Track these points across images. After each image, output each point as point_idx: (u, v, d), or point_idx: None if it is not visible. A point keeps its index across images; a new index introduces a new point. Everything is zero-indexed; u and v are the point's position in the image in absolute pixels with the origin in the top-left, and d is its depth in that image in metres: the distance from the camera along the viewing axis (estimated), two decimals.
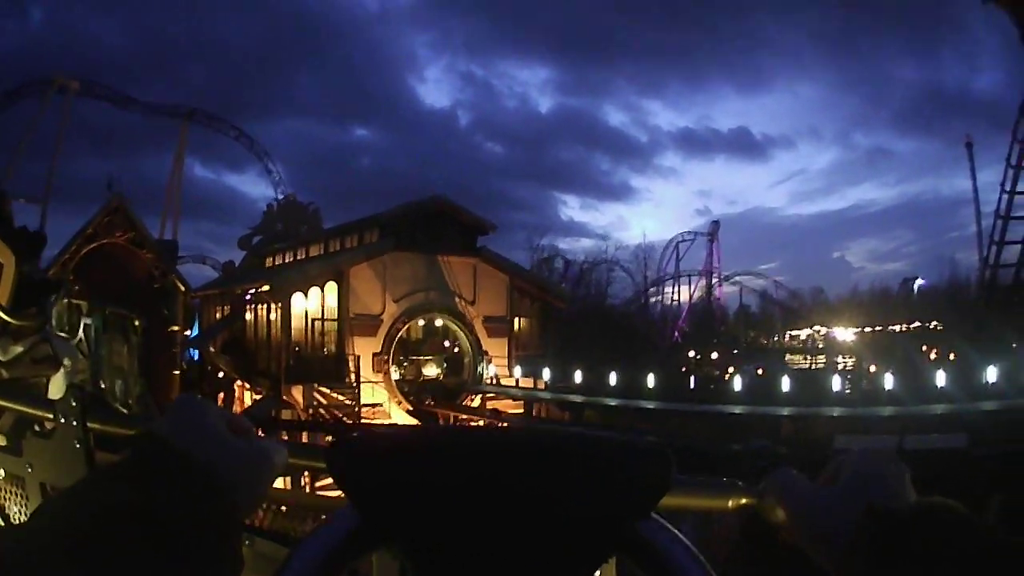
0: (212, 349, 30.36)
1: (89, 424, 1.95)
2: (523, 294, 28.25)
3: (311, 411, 24.73)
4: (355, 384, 25.37)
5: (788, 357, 38.44)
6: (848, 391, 21.97)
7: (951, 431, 14.06)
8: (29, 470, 2.14)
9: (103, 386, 8.26)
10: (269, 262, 34.91)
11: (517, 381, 25.41)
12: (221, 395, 28.61)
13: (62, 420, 1.98)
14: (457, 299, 26.67)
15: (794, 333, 45.55)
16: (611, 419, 19.83)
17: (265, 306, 27.85)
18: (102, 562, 0.62)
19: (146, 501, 0.66)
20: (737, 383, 19.04)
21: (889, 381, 18.80)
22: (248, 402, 27.78)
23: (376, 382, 25.60)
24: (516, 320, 28.01)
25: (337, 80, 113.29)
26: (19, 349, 4.35)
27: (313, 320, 26.58)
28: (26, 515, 2.21)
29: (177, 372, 25.97)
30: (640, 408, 19.35)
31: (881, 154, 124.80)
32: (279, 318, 26.58)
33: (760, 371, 21.84)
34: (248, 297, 29.21)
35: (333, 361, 26.01)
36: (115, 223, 24.92)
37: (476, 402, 25.30)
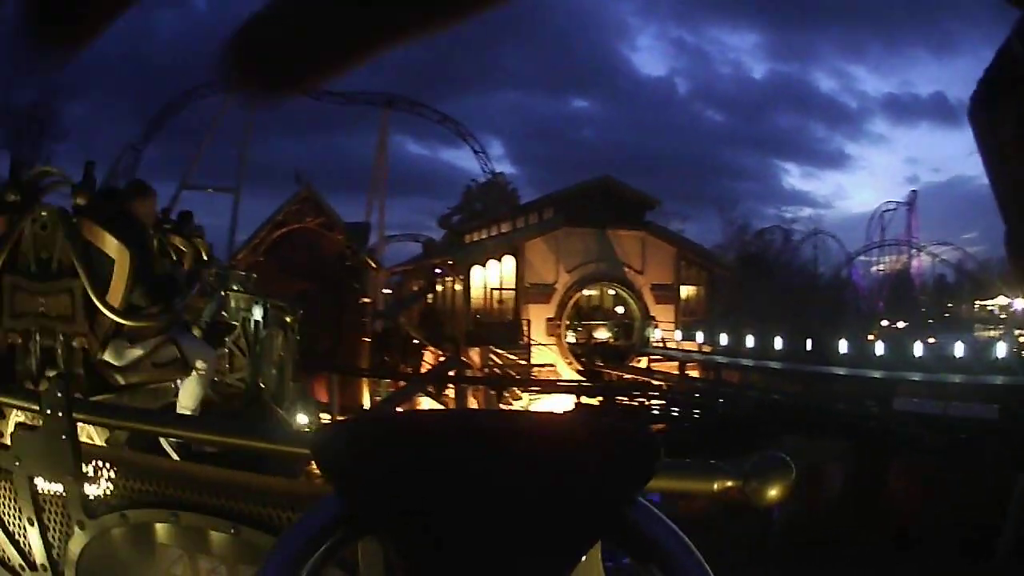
0: (405, 318, 34.15)
1: (75, 416, 2.04)
2: (690, 264, 30.08)
3: (486, 370, 27.80)
4: (528, 346, 28.17)
5: (978, 328, 37.44)
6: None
7: None
8: (17, 464, 2.20)
9: (262, 385, 8.50)
10: (468, 239, 38.49)
11: (680, 344, 27.25)
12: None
13: (48, 413, 2.03)
14: (626, 269, 28.85)
15: (985, 304, 43.96)
16: (763, 380, 21.35)
17: (451, 279, 31.30)
18: None
19: None
20: (878, 349, 19.77)
21: None
22: (431, 362, 31.13)
23: (548, 345, 28.21)
24: (683, 288, 29.84)
25: (550, 52, 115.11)
26: (138, 352, 4.67)
27: (492, 290, 29.70)
28: (14, 508, 2.38)
29: (367, 339, 29.64)
30: (790, 371, 20.58)
31: None
32: (461, 289, 29.99)
33: (932, 340, 22.34)
34: (438, 271, 32.86)
35: (509, 326, 28.86)
36: (305, 210, 28.88)
37: (643, 363, 27.33)
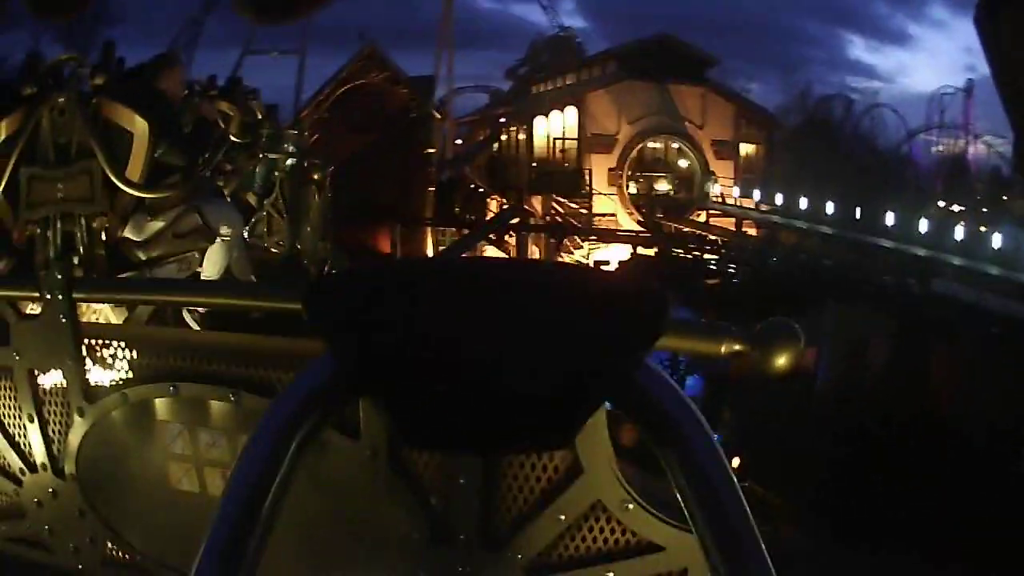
0: (470, 168, 35.20)
1: (75, 296, 2.08)
2: (750, 122, 30.51)
3: (548, 218, 29.01)
4: (589, 195, 29.22)
5: None
6: None
7: None
8: (17, 358, 2.24)
9: (298, 247, 8.30)
10: (534, 91, 38.79)
11: (738, 201, 28.05)
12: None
13: (48, 297, 2.06)
14: (687, 123, 29.33)
15: None
16: (814, 244, 22.05)
17: (515, 129, 32.09)
18: None
19: None
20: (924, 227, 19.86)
21: None
22: (495, 210, 32.38)
23: (609, 194, 29.24)
24: (742, 146, 30.40)
25: None
26: (159, 225, 4.64)
27: (555, 140, 30.51)
28: (14, 407, 2.41)
29: (432, 189, 30.77)
30: (840, 237, 21.03)
31: None
32: (525, 138, 30.84)
33: (982, 229, 22.43)
34: (502, 121, 33.62)
35: (570, 175, 29.86)
36: (369, 66, 29.28)
37: (702, 217, 28.29)
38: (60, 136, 4.46)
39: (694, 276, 22.68)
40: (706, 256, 24.17)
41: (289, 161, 8.32)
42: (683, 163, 30.22)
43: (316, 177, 8.93)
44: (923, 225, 18.10)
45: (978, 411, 12.23)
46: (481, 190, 33.36)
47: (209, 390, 2.15)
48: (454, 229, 29.86)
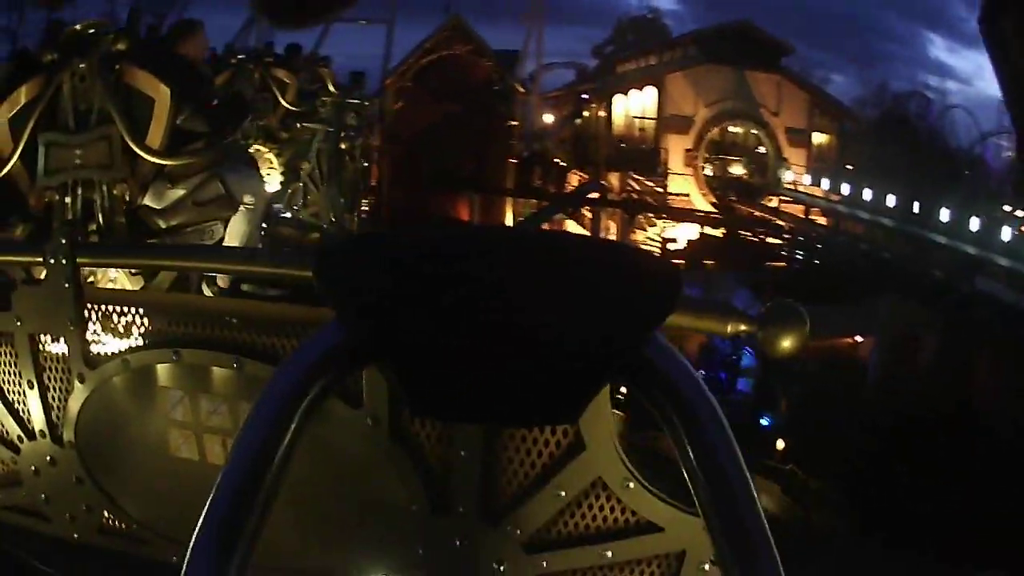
0: (552, 142, 36.66)
1: (79, 260, 2.11)
2: (823, 112, 31.39)
3: (624, 195, 30.43)
4: (664, 174, 30.51)
5: None
6: None
7: None
8: (18, 324, 2.27)
9: (333, 219, 8.18)
10: (619, 70, 39.89)
11: (808, 189, 28.95)
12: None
13: (52, 262, 2.10)
14: (762, 109, 30.32)
15: None
16: (876, 235, 22.95)
17: (597, 106, 33.47)
18: None
19: None
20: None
21: None
22: (575, 184, 33.84)
23: (684, 175, 30.53)
24: (815, 135, 31.32)
25: None
26: (179, 193, 4.63)
27: (634, 118, 31.90)
28: (14, 373, 2.45)
29: (513, 160, 32.27)
30: (900, 230, 21.78)
31: None
32: (605, 116, 32.24)
33: None
34: (584, 98, 34.97)
35: (648, 154, 31.21)
36: (454, 38, 30.51)
37: (774, 203, 29.35)
38: (80, 102, 4.44)
39: (758, 259, 23.74)
40: (771, 240, 25.14)
41: (329, 130, 8.43)
42: (757, 148, 31.23)
43: (345, 147, 8.85)
44: (974, 224, 18.48)
45: (1015, 411, 12.43)
46: (562, 164, 34.85)
47: (211, 356, 2.16)
48: (534, 201, 31.40)
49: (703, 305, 1.09)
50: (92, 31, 4.69)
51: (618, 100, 32.63)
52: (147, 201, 4.64)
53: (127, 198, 4.58)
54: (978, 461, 11.26)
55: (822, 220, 26.85)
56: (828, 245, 24.07)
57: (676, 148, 30.76)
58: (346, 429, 1.87)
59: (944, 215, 19.52)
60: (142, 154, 4.43)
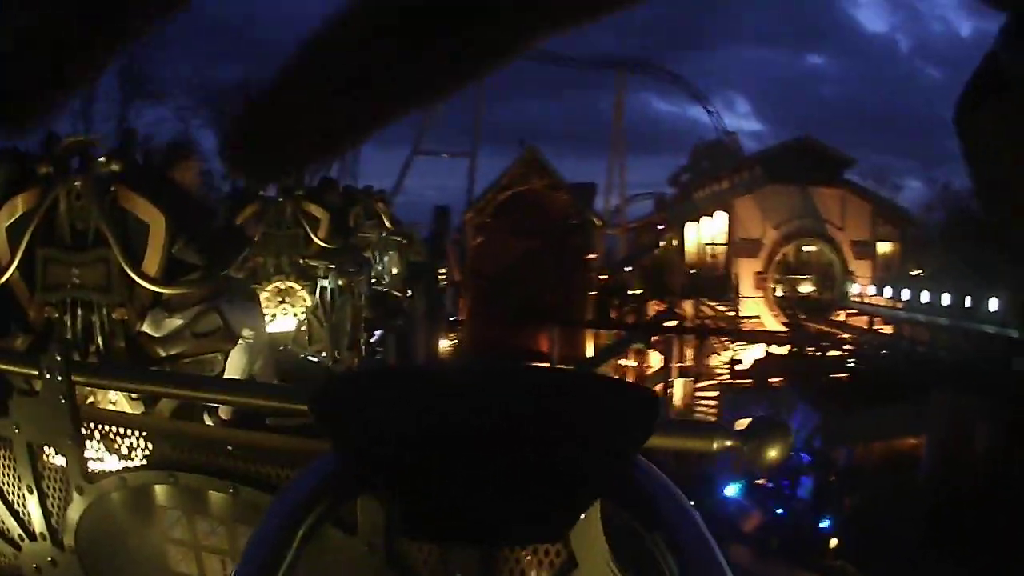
0: (630, 272, 37.26)
1: (74, 379, 2.13)
2: (886, 221, 30.94)
3: (698, 321, 30.38)
4: (736, 298, 30.35)
5: None
6: None
7: None
8: (16, 431, 2.26)
9: (337, 356, 8.33)
10: (696, 196, 40.57)
11: (873, 300, 28.09)
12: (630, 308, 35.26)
13: (47, 377, 2.10)
14: (828, 225, 30.01)
15: None
16: (931, 335, 22.33)
17: (670, 235, 34.09)
18: None
19: None
20: None
21: None
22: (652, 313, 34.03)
23: (755, 297, 30.25)
24: (879, 244, 30.76)
25: (784, 8, 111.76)
26: (177, 322, 4.66)
27: (705, 245, 32.16)
28: (13, 477, 2.42)
29: (592, 293, 33.02)
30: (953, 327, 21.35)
31: None
32: (678, 244, 32.73)
33: None
34: (660, 227, 35.73)
35: (719, 279, 31.28)
36: (530, 173, 32.06)
37: (841, 316, 28.53)
38: (77, 220, 4.45)
39: (820, 372, 23.35)
40: (832, 353, 24.77)
41: (331, 267, 8.45)
42: (825, 264, 30.75)
43: (342, 283, 8.84)
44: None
45: None
46: (640, 294, 35.24)
47: (207, 481, 2.18)
48: (613, 332, 31.80)
49: (686, 425, 1.17)
50: (87, 148, 4.72)
51: (690, 227, 33.21)
52: (146, 328, 4.63)
53: (126, 322, 4.58)
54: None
55: (887, 328, 25.99)
56: (888, 351, 23.61)
57: (747, 271, 30.74)
58: (341, 556, 1.86)
59: (992, 305, 19.43)
60: (139, 280, 4.42)
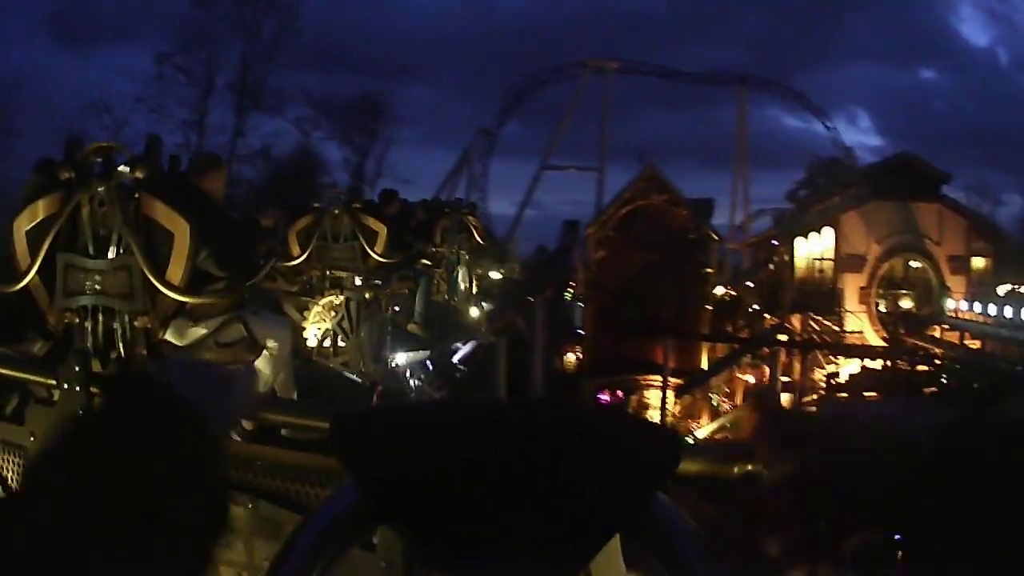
0: (746, 287, 38.58)
1: (92, 389, 2.10)
2: (979, 236, 31.38)
3: (804, 335, 31.57)
4: (841, 313, 31.38)
5: None
6: None
7: None
8: (31, 439, 2.25)
9: (362, 369, 8.21)
10: (811, 212, 41.32)
11: (965, 315, 28.51)
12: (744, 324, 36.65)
13: (65, 387, 2.12)
14: (926, 240, 30.63)
15: None
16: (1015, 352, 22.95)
17: (783, 250, 35.42)
18: (78, 463, 0.69)
19: (121, 414, 0.76)
20: None
21: None
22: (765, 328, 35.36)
23: (858, 312, 31.24)
24: (974, 259, 31.22)
25: (894, 22, 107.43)
26: (201, 331, 4.75)
27: (813, 260, 33.43)
28: None
29: (709, 307, 34.64)
30: None
31: None
32: (788, 259, 34.11)
33: None
34: (774, 243, 36.99)
35: (826, 295, 32.42)
36: (650, 188, 33.79)
37: (936, 331, 29.08)
38: (99, 227, 4.38)
39: (910, 387, 24.37)
40: (920, 368, 25.62)
41: (357, 280, 8.29)
42: (923, 279, 31.30)
43: (370, 296, 8.66)
44: None
45: None
46: (756, 309, 36.52)
47: None
48: (727, 345, 33.37)
49: (708, 450, 1.23)
50: (110, 154, 4.67)
51: (800, 243, 34.35)
52: (169, 336, 4.63)
53: (149, 331, 4.50)
54: None
55: (975, 343, 26.72)
56: (974, 367, 24.41)
57: (852, 286, 31.79)
58: (359, 571, 1.81)
59: None
60: (163, 289, 4.37)
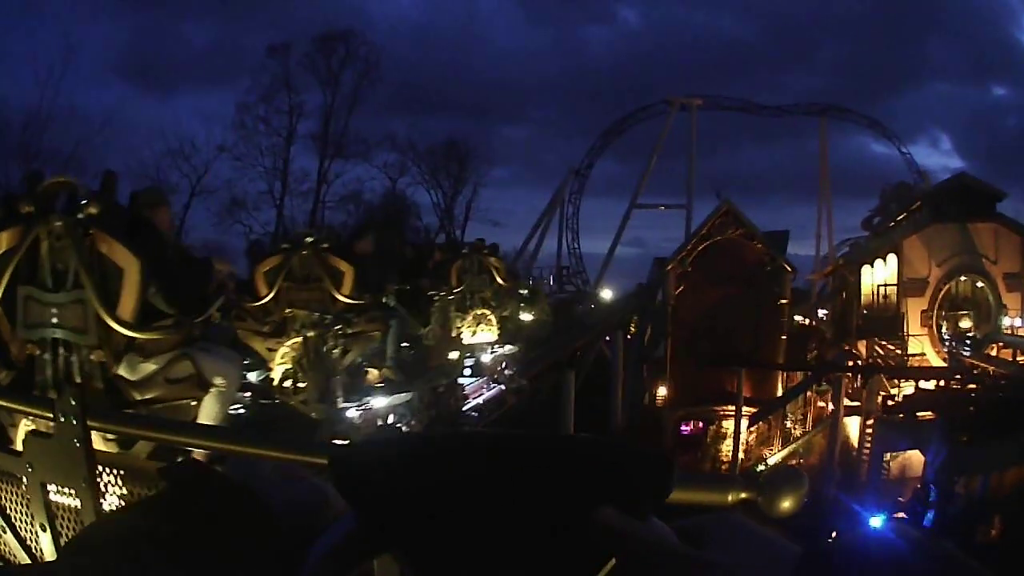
0: (820, 316, 39.09)
1: (89, 423, 2.10)
2: None
3: (870, 361, 32.09)
4: (904, 337, 31.79)
5: None
6: None
7: None
8: (29, 470, 2.24)
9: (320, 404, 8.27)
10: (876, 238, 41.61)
11: (1021, 332, 28.57)
12: (816, 351, 37.17)
13: (62, 419, 2.08)
14: (983, 259, 30.82)
15: None
16: None
17: (851, 278, 36.08)
18: None
19: (178, 531, 0.73)
20: None
21: None
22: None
23: (920, 335, 31.59)
24: None
25: (967, 39, 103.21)
26: (151, 367, 4.73)
27: (877, 285, 34.08)
28: (26, 514, 2.38)
29: (784, 336, 35.56)
30: None
31: None
32: (855, 286, 34.73)
33: None
34: (845, 272, 37.55)
35: (889, 320, 32.96)
36: (726, 223, 35.26)
37: (993, 350, 29.12)
38: (57, 260, 4.42)
39: (963, 405, 24.89)
40: (971, 385, 26.05)
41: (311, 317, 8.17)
42: (981, 299, 31.31)
43: (313, 336, 8.35)
44: None
45: None
46: (828, 337, 37.01)
47: None
48: (800, 374, 34.14)
49: (698, 478, 1.09)
50: (65, 190, 4.70)
51: (866, 270, 34.87)
52: (122, 371, 4.66)
53: (103, 365, 4.59)
54: None
55: None
56: (1011, 384, 24.78)
57: (914, 310, 32.25)
58: None
59: None
60: (113, 324, 4.42)
